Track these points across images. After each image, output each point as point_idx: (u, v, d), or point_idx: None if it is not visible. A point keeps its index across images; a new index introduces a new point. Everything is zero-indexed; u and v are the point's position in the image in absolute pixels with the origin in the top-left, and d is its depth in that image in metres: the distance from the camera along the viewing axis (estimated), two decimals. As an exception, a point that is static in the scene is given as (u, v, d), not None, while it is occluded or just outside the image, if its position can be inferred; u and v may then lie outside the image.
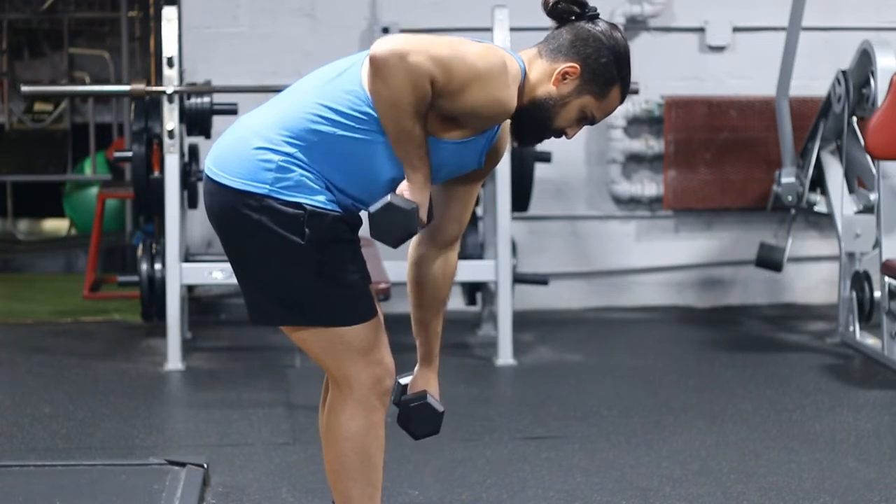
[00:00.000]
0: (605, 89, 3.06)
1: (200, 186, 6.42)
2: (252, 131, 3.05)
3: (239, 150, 3.04)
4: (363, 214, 3.10)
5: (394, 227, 3.00)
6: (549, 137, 3.14)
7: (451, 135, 3.03)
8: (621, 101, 3.12)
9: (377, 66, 2.91)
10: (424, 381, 3.32)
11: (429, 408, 3.26)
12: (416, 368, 3.33)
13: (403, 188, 3.02)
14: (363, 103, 3.00)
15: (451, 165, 3.08)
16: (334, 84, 3.04)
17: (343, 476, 3.15)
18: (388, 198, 3.00)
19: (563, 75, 3.04)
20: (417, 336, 3.32)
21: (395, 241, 3.02)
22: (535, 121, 3.06)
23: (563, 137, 3.14)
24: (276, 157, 3.00)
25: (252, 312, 3.14)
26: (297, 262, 3.02)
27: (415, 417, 3.27)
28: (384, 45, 2.91)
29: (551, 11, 3.08)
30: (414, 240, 3.26)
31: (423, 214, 3.04)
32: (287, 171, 2.99)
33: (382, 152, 3.02)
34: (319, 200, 3.01)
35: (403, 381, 3.31)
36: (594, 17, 3.08)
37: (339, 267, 3.05)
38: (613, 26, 3.08)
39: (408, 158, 3.00)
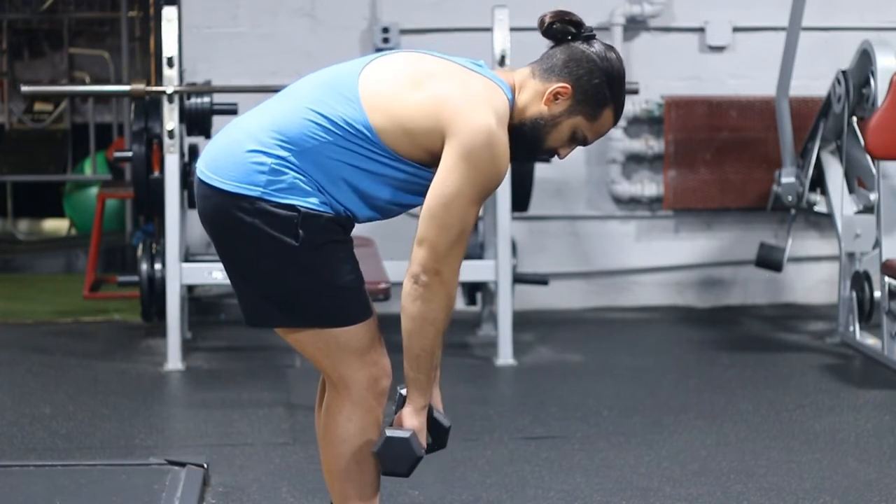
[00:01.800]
0: (597, 111, 3.05)
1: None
2: (245, 133, 3.04)
3: (232, 153, 3.03)
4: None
5: (400, 458, 3.05)
6: (540, 156, 3.15)
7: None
8: (614, 123, 3.11)
9: (420, 289, 2.96)
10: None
11: (436, 422, 3.19)
12: None
13: (402, 415, 3.07)
14: (357, 122, 2.99)
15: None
16: (331, 92, 3.03)
17: (341, 477, 3.15)
18: (386, 432, 3.06)
19: (555, 95, 3.03)
20: None
21: (407, 470, 3.08)
22: (526, 140, 3.06)
23: (556, 157, 3.15)
24: (268, 160, 2.99)
25: (247, 314, 3.14)
26: (291, 263, 3.01)
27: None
28: (419, 267, 2.96)
29: (547, 31, 3.07)
30: None
31: (423, 439, 3.08)
32: (280, 174, 2.99)
33: (372, 168, 3.01)
34: (312, 202, 3.00)
35: (405, 391, 3.20)
36: (590, 37, 3.06)
37: (333, 268, 3.05)
38: (609, 48, 3.07)
39: (417, 380, 3.05)
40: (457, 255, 2.99)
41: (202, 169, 3.07)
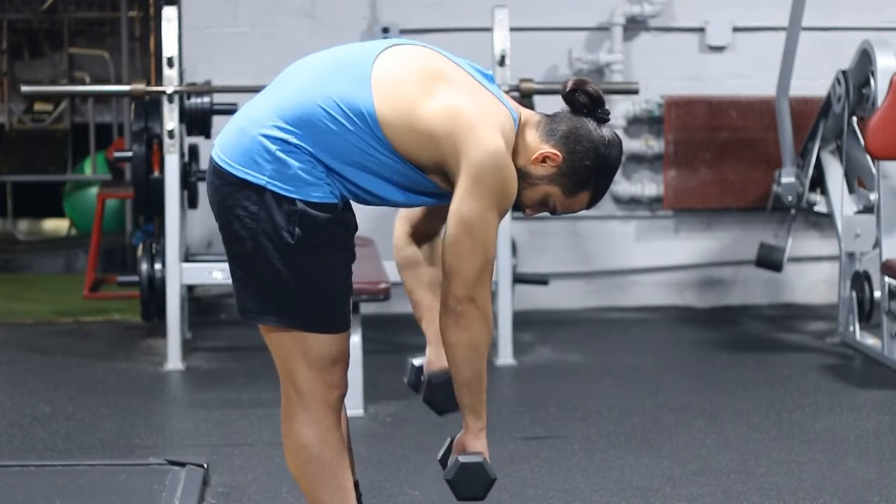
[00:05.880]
0: (576, 189, 3.06)
1: (200, 186, 6.46)
2: (252, 120, 3.04)
3: (241, 139, 3.03)
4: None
5: (476, 482, 3.05)
6: None
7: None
8: (587, 208, 3.12)
9: (458, 319, 2.98)
10: (439, 357, 3.22)
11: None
12: (427, 350, 3.27)
13: (464, 441, 3.09)
14: (363, 108, 2.97)
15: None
16: (341, 74, 3.02)
17: (310, 484, 3.13)
18: (459, 459, 3.06)
19: (544, 158, 3.03)
20: (423, 318, 3.28)
21: (483, 493, 3.07)
22: None
23: (522, 212, 3.16)
24: (273, 147, 2.98)
25: (240, 306, 3.11)
26: (283, 260, 2.99)
27: (440, 393, 3.21)
28: (452, 299, 2.97)
29: (567, 96, 3.07)
30: (400, 240, 3.28)
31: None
32: (284, 164, 2.98)
33: (377, 160, 3.01)
34: (316, 195, 2.99)
35: (417, 361, 3.26)
36: (603, 120, 3.07)
37: (324, 273, 3.03)
38: (615, 137, 3.07)
39: (472, 405, 3.07)
40: (487, 279, 2.99)
41: (217, 152, 3.07)
